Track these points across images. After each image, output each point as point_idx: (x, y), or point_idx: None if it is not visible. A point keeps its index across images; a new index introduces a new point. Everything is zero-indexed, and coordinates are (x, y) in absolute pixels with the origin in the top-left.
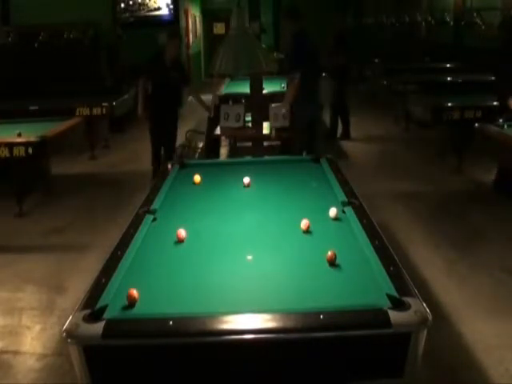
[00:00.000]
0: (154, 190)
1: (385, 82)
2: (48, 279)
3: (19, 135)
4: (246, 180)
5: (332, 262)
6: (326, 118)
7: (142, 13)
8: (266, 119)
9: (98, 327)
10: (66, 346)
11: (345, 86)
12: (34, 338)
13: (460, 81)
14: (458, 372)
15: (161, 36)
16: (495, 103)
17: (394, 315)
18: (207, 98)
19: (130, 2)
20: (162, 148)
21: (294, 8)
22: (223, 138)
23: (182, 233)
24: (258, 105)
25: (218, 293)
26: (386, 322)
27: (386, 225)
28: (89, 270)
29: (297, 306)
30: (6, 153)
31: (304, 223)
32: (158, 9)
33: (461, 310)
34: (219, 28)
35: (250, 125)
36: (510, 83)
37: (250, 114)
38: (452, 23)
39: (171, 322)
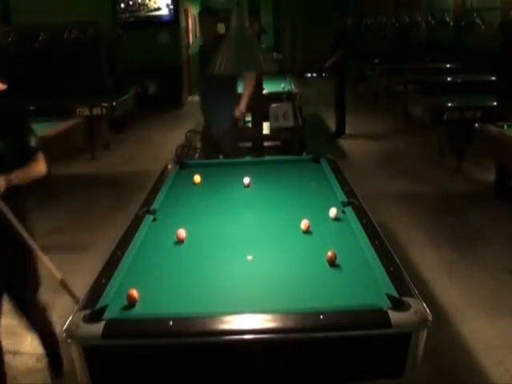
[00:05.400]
0: (154, 190)
1: (384, 82)
2: (48, 279)
3: None
4: (246, 180)
5: (332, 262)
6: (326, 116)
7: (142, 13)
8: (266, 119)
9: (98, 327)
10: (66, 347)
11: (344, 83)
12: (34, 339)
13: (460, 81)
14: (458, 372)
15: (161, 36)
16: (495, 103)
17: (394, 315)
18: None
19: (130, 2)
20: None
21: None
22: None
23: (181, 233)
24: (258, 105)
25: (218, 293)
26: (386, 322)
27: (386, 225)
28: (89, 270)
29: (297, 306)
30: None
31: (304, 223)
32: (158, 9)
33: (461, 310)
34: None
35: (249, 125)
36: (510, 86)
37: (249, 114)
38: (452, 23)
39: (171, 322)
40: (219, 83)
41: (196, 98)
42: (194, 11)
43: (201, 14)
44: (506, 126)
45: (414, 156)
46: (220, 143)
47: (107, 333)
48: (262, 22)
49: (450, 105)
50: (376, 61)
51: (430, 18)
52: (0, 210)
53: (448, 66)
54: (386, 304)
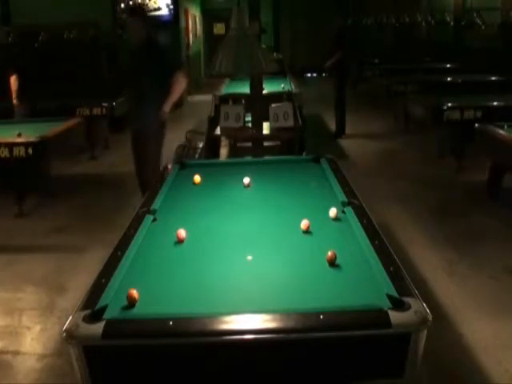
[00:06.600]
0: (154, 190)
1: (385, 82)
2: (48, 279)
3: (19, 135)
4: (246, 180)
5: (332, 262)
6: (326, 116)
7: None
8: (266, 119)
9: (98, 327)
10: (66, 347)
11: (344, 83)
12: (34, 339)
13: (460, 81)
14: (458, 372)
15: (161, 36)
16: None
17: (394, 315)
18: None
19: (130, 3)
20: None
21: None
22: (223, 137)
23: (182, 233)
24: (258, 105)
25: (218, 293)
26: (386, 322)
27: (386, 225)
28: (89, 270)
29: (297, 306)
30: (6, 153)
31: (304, 223)
32: (158, 9)
33: (461, 311)
34: (219, 28)
35: (249, 125)
36: None
37: (249, 114)
38: (452, 23)
39: (171, 322)
40: (145, 87)
41: (196, 97)
42: (194, 11)
43: (128, 14)
44: (506, 126)
45: (413, 156)
46: (143, 148)
47: (107, 333)
48: (262, 22)
49: (450, 105)
50: (376, 61)
51: (430, 18)
52: None
53: (448, 65)
54: (386, 304)
